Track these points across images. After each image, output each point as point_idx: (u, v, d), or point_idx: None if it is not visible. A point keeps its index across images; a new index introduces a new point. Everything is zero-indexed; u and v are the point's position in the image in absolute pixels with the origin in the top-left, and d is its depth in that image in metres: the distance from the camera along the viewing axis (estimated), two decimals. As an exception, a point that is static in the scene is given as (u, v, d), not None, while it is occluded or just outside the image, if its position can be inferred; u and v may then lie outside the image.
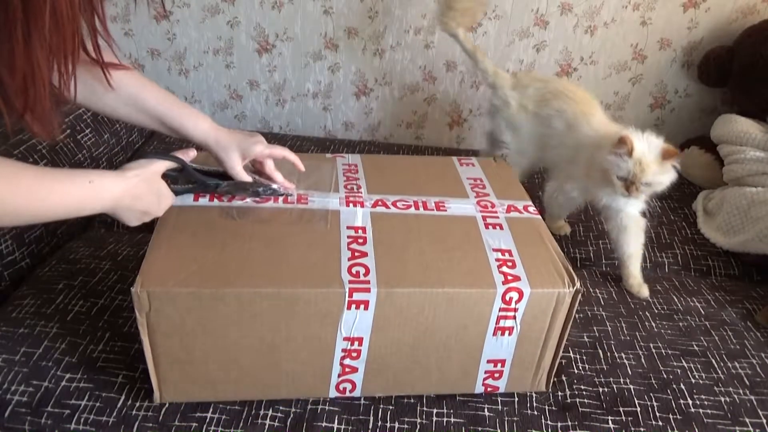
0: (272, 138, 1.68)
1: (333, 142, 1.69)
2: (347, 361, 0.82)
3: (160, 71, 1.75)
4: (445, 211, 0.93)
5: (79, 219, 1.28)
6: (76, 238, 1.22)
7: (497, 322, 0.82)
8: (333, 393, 0.86)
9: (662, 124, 1.77)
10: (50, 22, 0.54)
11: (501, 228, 0.90)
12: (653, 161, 1.06)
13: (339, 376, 0.84)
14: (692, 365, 0.99)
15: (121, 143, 1.51)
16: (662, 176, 1.08)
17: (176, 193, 0.85)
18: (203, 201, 0.89)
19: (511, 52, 1.67)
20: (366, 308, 0.77)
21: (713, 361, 1.01)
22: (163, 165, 0.82)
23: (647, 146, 1.07)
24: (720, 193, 1.41)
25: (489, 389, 0.90)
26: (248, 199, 0.90)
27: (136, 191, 0.76)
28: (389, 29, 1.65)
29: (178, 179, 0.86)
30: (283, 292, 0.75)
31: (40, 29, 0.54)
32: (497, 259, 0.83)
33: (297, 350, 0.80)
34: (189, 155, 0.88)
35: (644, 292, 1.17)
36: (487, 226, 0.90)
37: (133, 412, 0.81)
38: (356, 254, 0.81)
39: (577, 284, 0.81)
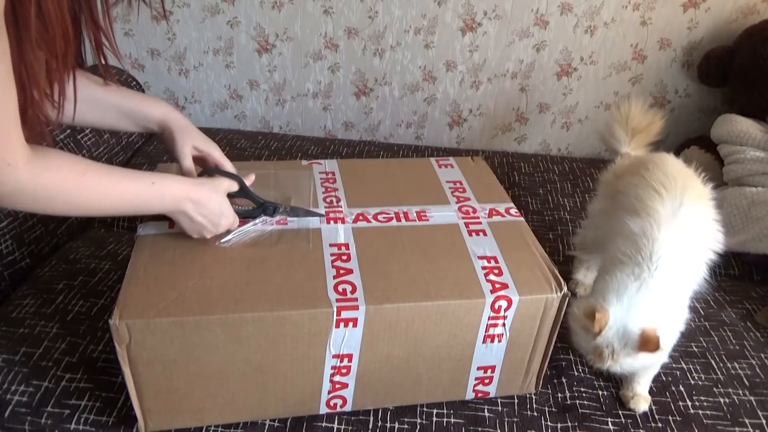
0: (272, 138, 1.68)
1: (333, 142, 1.69)
2: (337, 378, 0.82)
3: (160, 71, 1.75)
4: (427, 220, 0.92)
5: (79, 219, 1.28)
6: (76, 238, 1.22)
7: (486, 330, 0.82)
8: (324, 410, 0.86)
9: (662, 124, 1.77)
10: (37, 22, 0.54)
11: (484, 234, 0.90)
12: (626, 350, 0.81)
13: (329, 392, 0.83)
14: (691, 366, 0.99)
15: (121, 143, 1.51)
16: (637, 362, 0.83)
17: (238, 214, 0.85)
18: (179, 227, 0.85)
19: (511, 52, 1.66)
20: (355, 325, 0.77)
21: (713, 362, 1.01)
22: (228, 183, 0.83)
23: (620, 331, 0.81)
24: (720, 193, 1.41)
25: (479, 395, 0.90)
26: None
27: (199, 197, 0.78)
28: (389, 29, 1.65)
29: (236, 201, 0.86)
30: (269, 316, 0.74)
31: (27, 29, 0.54)
32: (483, 267, 0.83)
33: (285, 371, 0.79)
34: (249, 179, 0.89)
35: (641, 407, 0.90)
36: (470, 233, 0.90)
37: (133, 412, 0.81)
38: (341, 272, 0.80)
39: (565, 288, 0.81)
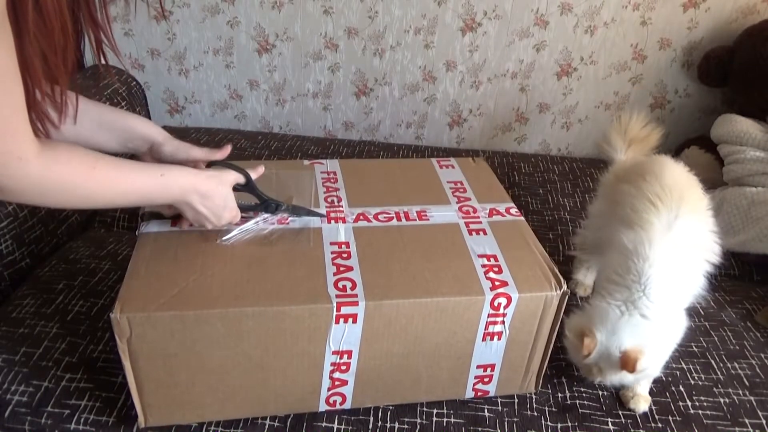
0: (272, 138, 1.68)
1: (333, 142, 1.69)
2: (337, 375, 0.82)
3: (160, 71, 1.75)
4: (428, 220, 0.93)
5: (79, 219, 1.28)
6: (76, 238, 1.22)
7: (486, 327, 0.82)
8: (323, 407, 0.86)
9: (662, 124, 1.77)
10: (35, 15, 0.54)
11: (484, 233, 0.90)
12: (611, 369, 0.85)
13: (328, 389, 0.84)
14: (691, 366, 0.99)
15: (121, 143, 1.50)
16: (624, 378, 0.87)
17: (241, 208, 0.85)
18: None
19: (511, 52, 1.66)
20: (354, 321, 0.77)
21: (713, 362, 1.01)
22: (234, 176, 0.83)
23: (605, 353, 0.85)
24: (720, 193, 1.41)
25: (479, 394, 0.90)
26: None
27: (206, 189, 0.78)
28: (389, 29, 1.65)
29: (239, 195, 0.86)
30: (269, 310, 0.75)
31: (26, 22, 0.54)
32: (483, 265, 0.83)
33: (285, 367, 0.80)
34: (257, 172, 0.88)
35: (641, 407, 0.91)
36: (470, 232, 0.90)
37: (133, 412, 0.81)
38: (341, 269, 0.80)
39: (564, 287, 0.81)
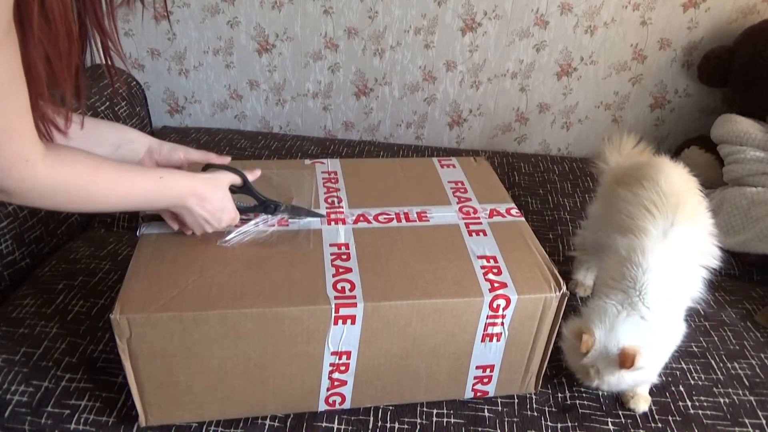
0: (272, 138, 1.68)
1: (333, 142, 1.69)
2: (336, 375, 0.82)
3: (160, 71, 1.75)
4: (428, 221, 0.93)
5: (79, 219, 1.28)
6: (76, 238, 1.22)
7: (485, 329, 0.82)
8: (322, 407, 0.86)
9: (662, 124, 1.77)
10: (40, 19, 0.54)
11: (484, 234, 0.90)
12: (608, 369, 0.84)
13: (328, 389, 0.84)
14: (691, 366, 0.99)
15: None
16: (621, 380, 0.85)
17: (239, 210, 0.86)
18: None
19: (511, 52, 1.66)
20: (353, 323, 0.77)
21: (712, 362, 1.01)
22: (230, 177, 0.84)
23: (605, 350, 0.84)
24: (720, 193, 1.41)
25: (479, 394, 0.90)
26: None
27: (203, 193, 0.79)
28: (389, 29, 1.65)
29: (238, 197, 0.86)
30: (267, 312, 0.75)
31: (31, 26, 0.54)
32: (482, 267, 0.83)
33: (284, 367, 0.80)
34: (254, 174, 0.89)
35: (641, 407, 0.91)
36: (470, 233, 0.90)
37: (133, 412, 0.81)
38: (340, 270, 0.81)
39: (564, 288, 0.81)
